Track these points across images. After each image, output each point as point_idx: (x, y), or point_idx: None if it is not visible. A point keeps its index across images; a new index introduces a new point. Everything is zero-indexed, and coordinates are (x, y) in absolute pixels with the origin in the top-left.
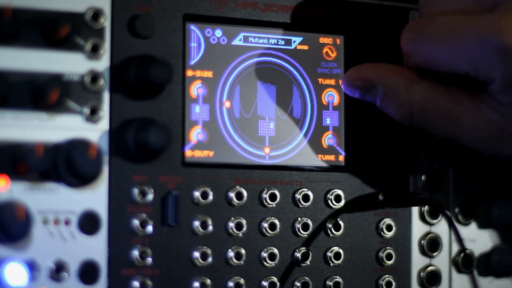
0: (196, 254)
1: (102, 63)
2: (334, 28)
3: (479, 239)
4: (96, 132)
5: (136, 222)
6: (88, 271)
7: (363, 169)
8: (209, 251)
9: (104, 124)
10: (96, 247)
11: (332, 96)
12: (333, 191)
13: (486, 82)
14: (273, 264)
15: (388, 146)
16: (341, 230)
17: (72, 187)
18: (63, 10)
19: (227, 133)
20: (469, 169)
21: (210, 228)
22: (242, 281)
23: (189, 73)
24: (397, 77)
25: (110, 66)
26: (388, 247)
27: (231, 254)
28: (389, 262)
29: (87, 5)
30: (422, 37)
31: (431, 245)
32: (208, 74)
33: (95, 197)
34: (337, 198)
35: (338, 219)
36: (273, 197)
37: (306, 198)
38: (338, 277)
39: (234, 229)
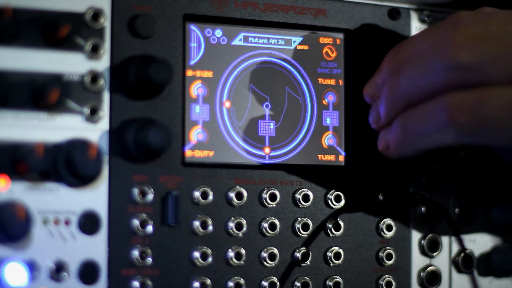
0: (196, 254)
1: (102, 63)
2: (334, 28)
3: (479, 239)
4: (96, 132)
5: (136, 222)
6: (88, 271)
7: (363, 169)
8: (209, 251)
9: (104, 124)
10: (96, 247)
11: (332, 96)
12: (333, 191)
13: None
14: (273, 264)
15: None
16: (341, 230)
17: (72, 187)
18: (63, 10)
19: (227, 133)
20: (469, 169)
21: (210, 228)
22: (242, 281)
23: (189, 73)
24: None
25: (110, 66)
26: (388, 247)
27: (231, 254)
28: (389, 262)
29: (87, 5)
30: (478, 121)
31: (431, 245)
32: (208, 74)
33: (95, 197)
34: (337, 198)
35: (338, 219)
36: (273, 197)
37: (306, 198)
38: (338, 277)
39: (234, 229)
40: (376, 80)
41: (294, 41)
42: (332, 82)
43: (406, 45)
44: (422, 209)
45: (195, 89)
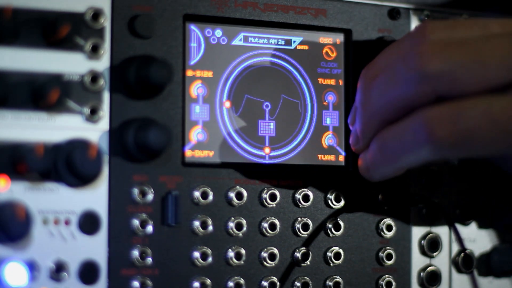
0: (196, 254)
1: (102, 63)
2: (334, 28)
3: (479, 239)
4: (96, 132)
5: (136, 222)
6: (88, 271)
7: None
8: (209, 251)
9: (104, 124)
10: (96, 247)
11: (332, 96)
12: (333, 191)
13: None
14: (273, 264)
15: None
16: (341, 230)
17: (72, 187)
18: (63, 10)
19: (227, 133)
20: (469, 169)
21: (210, 228)
22: (242, 281)
23: (189, 73)
24: None
25: (110, 66)
26: (388, 247)
27: (231, 254)
28: (389, 262)
29: (87, 5)
30: (457, 134)
31: (431, 245)
32: (208, 74)
33: (95, 197)
34: (337, 198)
35: (338, 219)
36: (273, 197)
37: (306, 198)
38: (338, 277)
39: (234, 229)
40: (355, 104)
41: (294, 41)
42: (332, 82)
43: (376, 61)
44: (422, 209)
45: (195, 89)
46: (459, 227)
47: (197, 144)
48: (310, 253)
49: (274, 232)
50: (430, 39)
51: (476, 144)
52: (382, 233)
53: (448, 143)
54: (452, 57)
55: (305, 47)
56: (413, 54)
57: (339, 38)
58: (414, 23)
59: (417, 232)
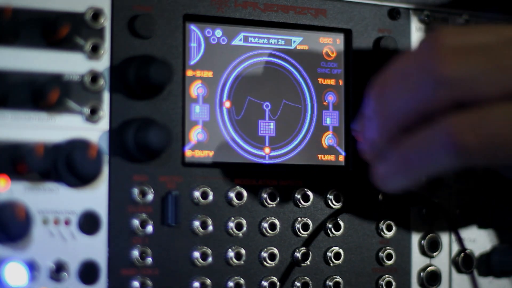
0: (196, 254)
1: (102, 63)
2: (334, 28)
3: (479, 239)
4: (96, 132)
5: (136, 222)
6: (88, 271)
7: (363, 169)
8: (209, 251)
9: (104, 124)
10: (96, 247)
11: (332, 96)
12: (333, 191)
13: None
14: (273, 264)
15: None
16: (341, 230)
17: (72, 187)
18: (63, 10)
19: (227, 133)
20: (469, 170)
21: (210, 228)
22: (242, 281)
23: (189, 73)
24: None
25: (110, 66)
26: (388, 247)
27: (231, 254)
28: (389, 262)
29: (87, 5)
30: (482, 141)
31: (431, 245)
32: (208, 74)
33: (95, 197)
34: (337, 198)
35: (338, 219)
36: (273, 197)
37: (306, 198)
38: (338, 277)
39: (234, 229)
40: (364, 112)
41: (294, 41)
42: (332, 82)
43: (390, 69)
44: (422, 209)
45: (195, 89)
46: (459, 227)
47: (197, 144)
48: (310, 253)
49: (274, 232)
50: (446, 43)
51: (502, 150)
52: (382, 233)
53: (474, 150)
54: (471, 62)
55: (305, 47)
56: (430, 59)
57: (339, 38)
58: (414, 23)
59: (417, 232)
